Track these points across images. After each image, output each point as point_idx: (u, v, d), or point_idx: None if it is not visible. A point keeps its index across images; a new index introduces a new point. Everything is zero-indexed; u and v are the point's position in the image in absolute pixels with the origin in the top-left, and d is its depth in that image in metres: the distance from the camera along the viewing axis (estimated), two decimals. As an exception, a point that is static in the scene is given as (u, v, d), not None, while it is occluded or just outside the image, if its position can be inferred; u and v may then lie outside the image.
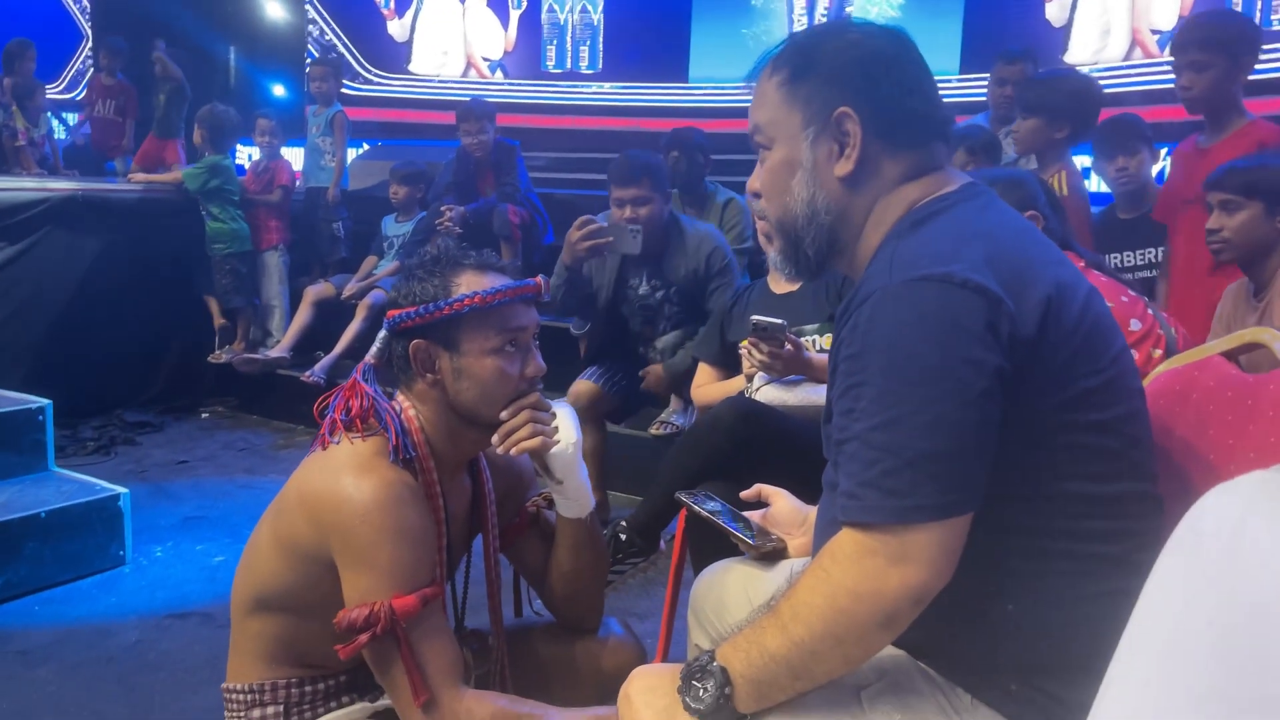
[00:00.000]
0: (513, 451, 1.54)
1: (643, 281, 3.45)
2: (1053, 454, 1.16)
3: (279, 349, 5.75)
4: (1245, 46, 3.17)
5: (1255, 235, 2.64)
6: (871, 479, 1.08)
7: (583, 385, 3.48)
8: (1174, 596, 0.70)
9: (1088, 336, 1.17)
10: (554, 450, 1.59)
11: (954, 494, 1.07)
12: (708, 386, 2.97)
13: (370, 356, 1.59)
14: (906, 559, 1.07)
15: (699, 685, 1.15)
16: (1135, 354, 1.40)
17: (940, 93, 1.33)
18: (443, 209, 5.23)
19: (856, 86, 1.25)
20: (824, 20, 7.21)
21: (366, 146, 7.96)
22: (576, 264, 3.21)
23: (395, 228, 5.72)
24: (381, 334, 1.57)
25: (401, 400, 1.58)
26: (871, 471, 1.08)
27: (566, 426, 1.61)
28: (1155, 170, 3.74)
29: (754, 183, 1.37)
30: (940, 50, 7.05)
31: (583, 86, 8.19)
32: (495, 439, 1.54)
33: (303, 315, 5.83)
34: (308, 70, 7.00)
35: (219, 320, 5.98)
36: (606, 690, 1.78)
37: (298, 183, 6.25)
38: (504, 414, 1.54)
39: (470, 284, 1.53)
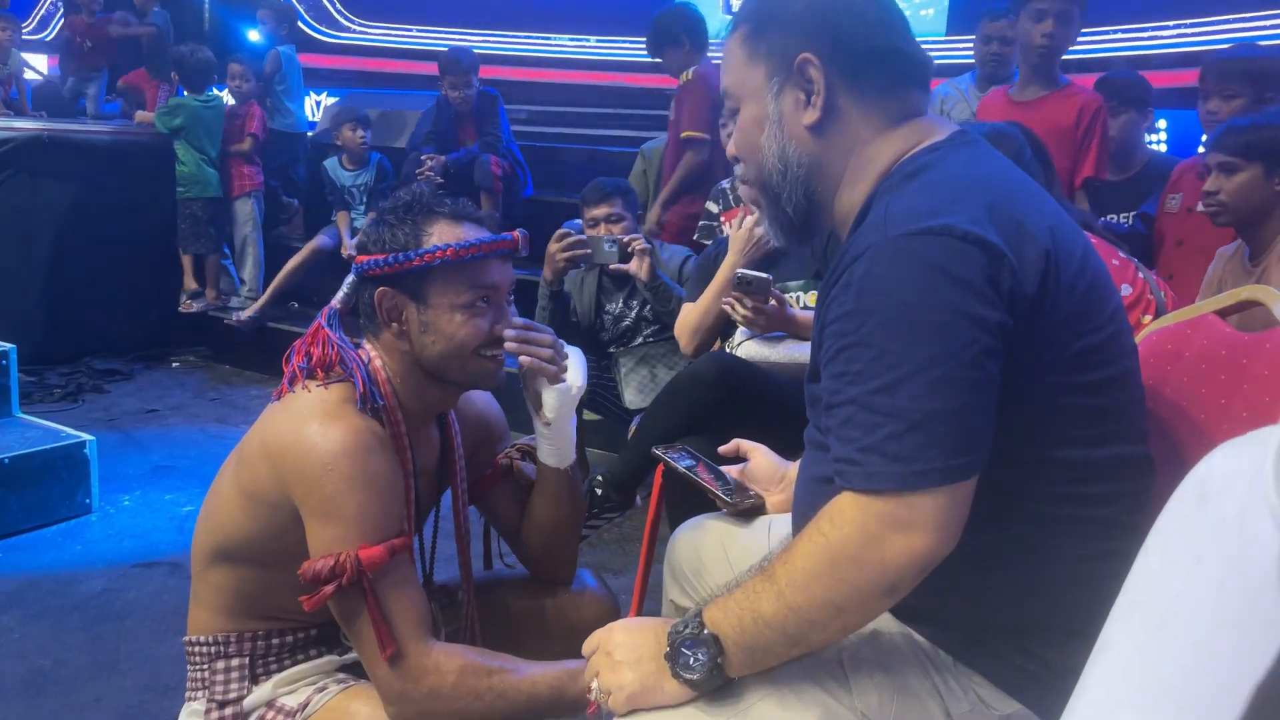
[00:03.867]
0: (524, 359, 1.51)
1: (619, 303, 3.49)
2: (1049, 416, 1.14)
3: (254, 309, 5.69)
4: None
5: (1254, 198, 2.59)
6: (874, 444, 1.04)
7: None
8: (1178, 556, 0.68)
9: (1087, 292, 1.14)
10: (558, 386, 1.56)
11: (960, 457, 1.04)
12: (685, 311, 2.91)
13: (336, 301, 1.54)
14: (912, 526, 1.03)
15: (689, 654, 1.12)
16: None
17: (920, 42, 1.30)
18: (423, 158, 5.17)
19: (815, 31, 1.21)
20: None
21: (323, 96, 7.86)
22: (558, 278, 3.25)
23: (348, 176, 5.58)
24: (349, 278, 1.53)
25: (368, 348, 1.53)
26: (874, 436, 1.04)
27: (575, 369, 1.59)
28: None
29: (731, 147, 1.34)
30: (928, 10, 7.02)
31: (565, 40, 8.12)
32: (512, 333, 1.50)
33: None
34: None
35: (189, 280, 5.91)
36: (579, 644, 1.78)
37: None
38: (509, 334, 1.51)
39: (443, 234, 1.48)
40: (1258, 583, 0.62)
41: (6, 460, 3.30)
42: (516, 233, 1.55)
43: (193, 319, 5.89)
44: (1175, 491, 0.72)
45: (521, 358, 1.51)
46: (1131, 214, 3.43)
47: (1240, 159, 2.59)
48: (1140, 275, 2.35)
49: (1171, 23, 5.86)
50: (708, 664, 1.11)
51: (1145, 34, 5.87)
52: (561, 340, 1.59)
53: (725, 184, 3.55)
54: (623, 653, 1.18)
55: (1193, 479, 0.73)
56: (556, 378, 1.55)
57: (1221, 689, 0.63)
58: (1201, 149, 2.98)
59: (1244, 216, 2.63)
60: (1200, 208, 2.85)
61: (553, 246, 3.10)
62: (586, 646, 1.24)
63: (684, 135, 4.39)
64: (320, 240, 5.60)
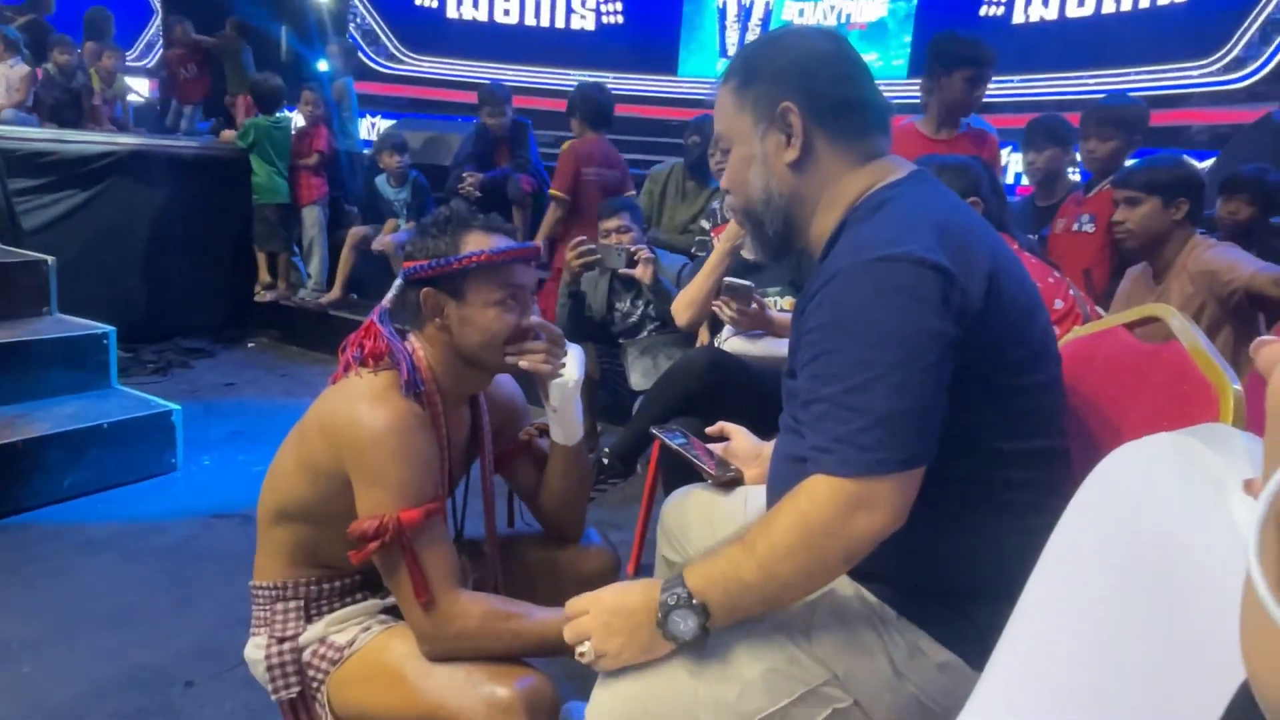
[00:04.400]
0: (521, 363, 1.52)
1: (627, 302, 3.49)
2: (987, 413, 1.14)
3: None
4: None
5: (1154, 225, 2.62)
6: (845, 435, 1.06)
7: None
8: (1087, 533, 0.69)
9: (1022, 311, 1.15)
10: (556, 381, 1.57)
11: (914, 448, 1.06)
12: (681, 293, 2.91)
13: (386, 301, 1.54)
14: (873, 505, 1.05)
15: (680, 620, 1.12)
16: (1057, 330, 1.38)
17: (882, 90, 1.30)
18: (464, 175, 5.17)
19: (795, 83, 1.22)
20: (758, 26, 7.30)
21: (376, 119, 7.86)
22: (575, 281, 3.24)
23: (392, 192, 5.54)
24: (397, 282, 1.53)
25: (413, 340, 1.54)
26: (846, 429, 1.06)
27: (573, 364, 1.59)
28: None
29: (724, 181, 1.35)
30: (892, 55, 7.00)
31: (588, 75, 8.12)
32: (510, 348, 1.51)
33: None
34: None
35: (263, 274, 5.93)
36: (584, 589, 1.78)
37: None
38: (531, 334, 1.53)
39: (477, 242, 1.48)
40: (1152, 553, 0.62)
41: (106, 425, 3.31)
42: (539, 243, 1.56)
43: (266, 307, 5.89)
44: (1082, 485, 0.73)
45: (520, 362, 1.52)
46: (1037, 235, 3.46)
47: (1142, 193, 2.60)
48: (1071, 292, 2.35)
49: (1090, 73, 5.90)
50: (697, 629, 1.12)
51: (1070, 81, 5.91)
52: (566, 340, 1.60)
53: (716, 204, 3.55)
54: (618, 620, 1.16)
55: (1099, 472, 0.74)
56: (554, 374, 1.56)
57: (1112, 653, 0.63)
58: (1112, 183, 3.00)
59: (1147, 242, 2.65)
60: (1090, 230, 2.90)
61: (570, 254, 3.10)
62: (574, 606, 1.22)
63: (550, 191, 4.53)
64: (360, 229, 5.67)
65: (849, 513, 1.06)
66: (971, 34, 3.46)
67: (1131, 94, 4.06)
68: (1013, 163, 5.19)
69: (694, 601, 1.11)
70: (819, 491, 1.08)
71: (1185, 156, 3.11)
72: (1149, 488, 0.65)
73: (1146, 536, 0.62)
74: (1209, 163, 4.43)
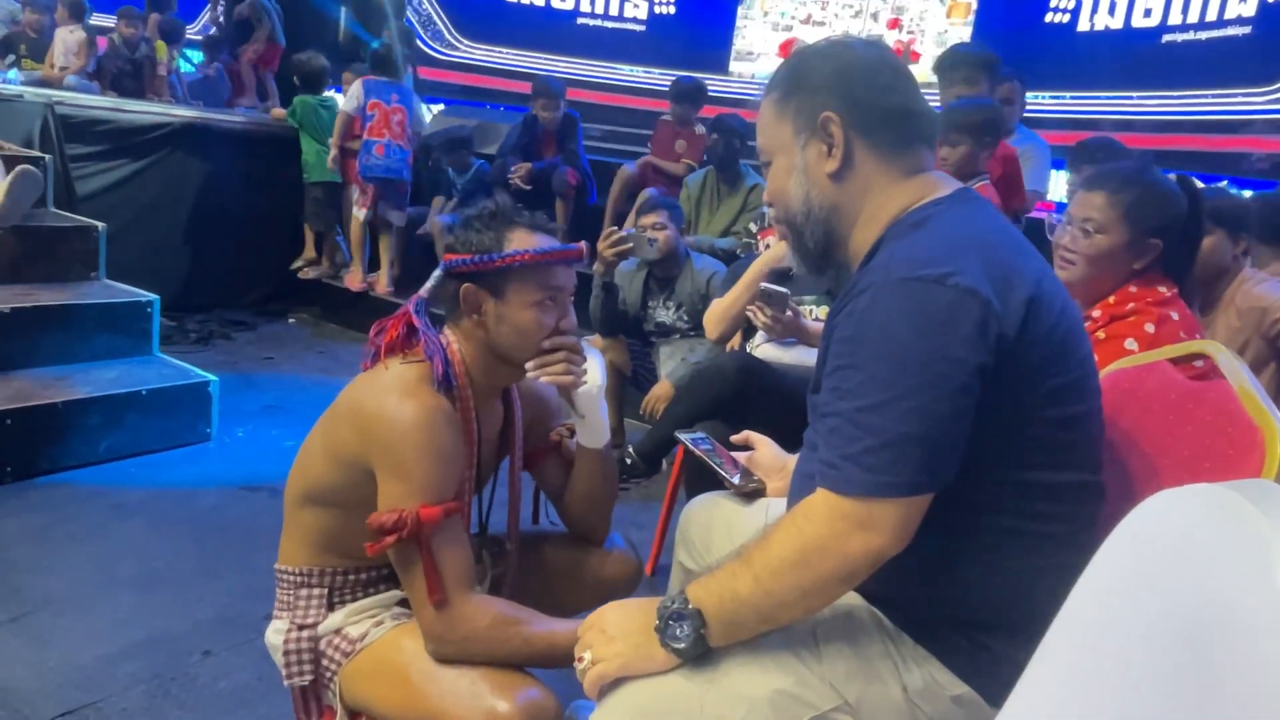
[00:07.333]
0: (543, 379, 1.51)
1: (660, 303, 3.49)
2: (1019, 443, 1.10)
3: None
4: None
5: (1217, 259, 2.51)
6: (853, 454, 1.03)
7: (600, 339, 3.49)
8: (1115, 585, 0.65)
9: (1062, 339, 1.10)
10: (579, 390, 1.56)
11: (922, 475, 1.03)
12: (714, 304, 2.89)
13: (423, 291, 1.53)
14: (872, 527, 1.03)
15: (676, 625, 1.11)
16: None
17: (928, 100, 1.26)
18: (514, 166, 5.18)
19: (837, 93, 1.19)
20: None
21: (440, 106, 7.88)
22: (609, 272, 3.25)
23: (457, 178, 5.58)
24: (436, 273, 1.51)
25: (448, 333, 1.52)
26: (854, 447, 1.03)
27: (594, 370, 1.57)
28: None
29: (766, 193, 1.33)
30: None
31: (637, 70, 8.10)
32: (530, 364, 1.50)
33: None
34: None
35: (309, 250, 5.95)
36: (606, 595, 1.75)
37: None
38: (546, 343, 1.50)
39: (521, 241, 1.46)
40: (1183, 620, 0.59)
41: (144, 392, 3.35)
42: (582, 244, 1.55)
43: (308, 284, 5.92)
44: (1116, 530, 0.69)
45: (541, 377, 1.50)
46: None
47: (1211, 224, 2.49)
48: None
49: (1151, 93, 5.78)
50: (692, 635, 1.10)
51: (1130, 102, 5.78)
52: (587, 344, 1.58)
53: (765, 209, 3.52)
54: (615, 629, 1.16)
55: (1134, 519, 0.70)
56: (576, 384, 1.54)
57: (1136, 705, 0.60)
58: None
59: (1207, 276, 2.54)
60: None
61: (602, 245, 3.10)
62: (583, 627, 1.21)
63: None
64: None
65: (846, 532, 1.03)
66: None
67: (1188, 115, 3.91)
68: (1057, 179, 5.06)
69: (689, 608, 1.10)
70: (817, 509, 1.06)
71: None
72: (1188, 542, 0.62)
73: (1183, 596, 0.58)
74: (1218, 186, 4.29)
